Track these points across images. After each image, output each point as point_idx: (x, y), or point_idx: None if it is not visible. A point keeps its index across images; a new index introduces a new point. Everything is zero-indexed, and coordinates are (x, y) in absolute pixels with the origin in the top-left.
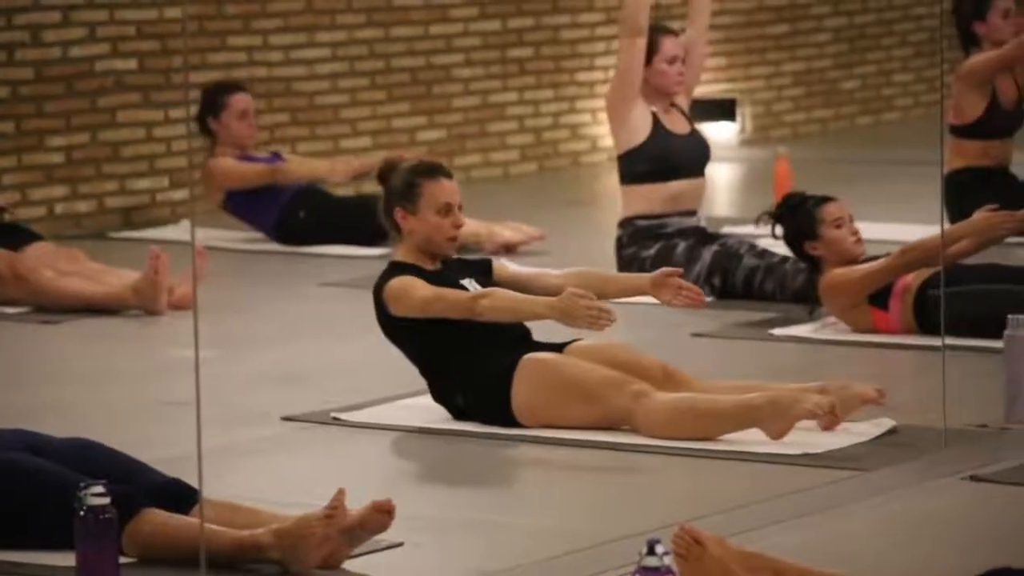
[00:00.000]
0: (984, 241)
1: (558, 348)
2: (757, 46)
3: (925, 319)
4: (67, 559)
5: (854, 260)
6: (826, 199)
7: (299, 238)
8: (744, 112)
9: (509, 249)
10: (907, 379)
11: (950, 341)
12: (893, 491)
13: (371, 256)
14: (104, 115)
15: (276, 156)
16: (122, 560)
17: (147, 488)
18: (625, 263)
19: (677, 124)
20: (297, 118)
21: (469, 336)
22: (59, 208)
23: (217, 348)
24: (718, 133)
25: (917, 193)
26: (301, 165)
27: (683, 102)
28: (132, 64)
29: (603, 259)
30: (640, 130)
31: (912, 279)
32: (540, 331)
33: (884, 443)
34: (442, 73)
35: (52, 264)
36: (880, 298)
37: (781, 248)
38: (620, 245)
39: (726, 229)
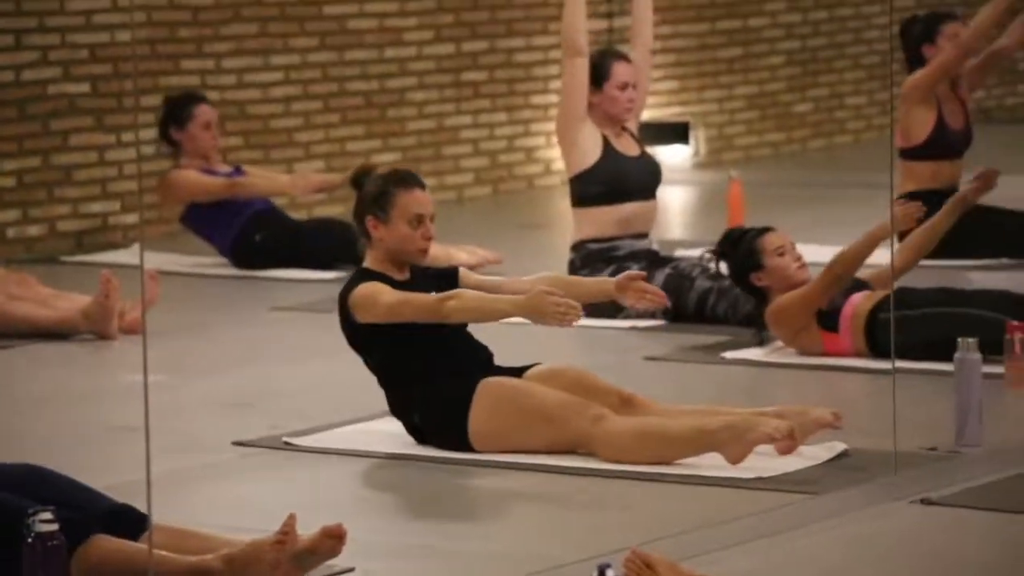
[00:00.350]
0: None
1: (517, 373)
2: (710, 69)
3: (875, 343)
4: None
5: (800, 286)
6: (765, 229)
7: (254, 261)
8: (697, 135)
9: None
10: (858, 402)
11: (900, 364)
12: (844, 514)
13: (325, 280)
14: (56, 138)
15: (237, 170)
16: None
17: (97, 514)
18: None
19: (628, 147)
20: (250, 141)
21: (432, 357)
22: (11, 232)
23: (168, 373)
24: (671, 156)
25: (869, 216)
26: (262, 179)
27: (633, 125)
28: (84, 88)
29: None
30: (591, 152)
31: (862, 302)
32: (505, 354)
33: (835, 467)
34: (396, 96)
35: (2, 289)
36: (830, 321)
37: None
38: (573, 268)
39: (679, 252)
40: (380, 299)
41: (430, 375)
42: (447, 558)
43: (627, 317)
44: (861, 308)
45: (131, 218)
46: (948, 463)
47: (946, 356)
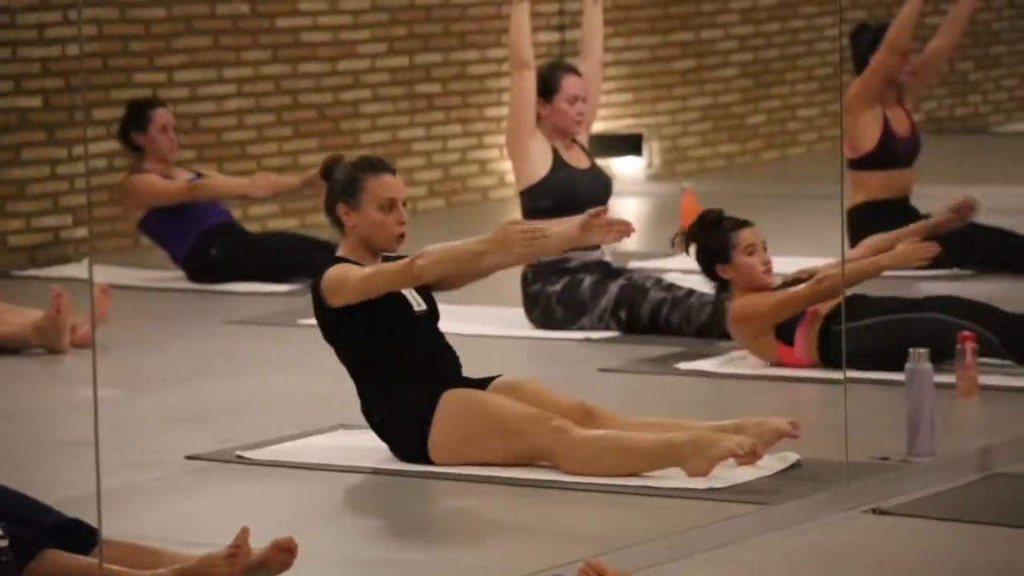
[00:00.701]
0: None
1: (481, 384)
2: (663, 81)
3: (828, 353)
4: None
5: (763, 289)
6: (743, 224)
7: (209, 275)
8: (650, 147)
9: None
10: (811, 412)
11: (852, 374)
12: (797, 524)
13: (278, 293)
14: (8, 152)
15: (197, 176)
16: None
17: (47, 529)
18: (531, 299)
19: (578, 159)
20: (204, 154)
21: (402, 357)
22: None
23: (121, 387)
24: (625, 168)
25: (821, 227)
26: (221, 182)
27: (583, 138)
28: (36, 102)
29: (514, 295)
30: (541, 165)
31: (817, 313)
32: (473, 366)
33: (788, 477)
34: (349, 109)
35: None
36: (786, 333)
37: (687, 282)
38: (526, 282)
39: (633, 263)
40: (350, 275)
41: (398, 376)
42: (402, 571)
43: (581, 329)
44: (814, 324)
45: (83, 232)
46: (900, 473)
47: (897, 366)
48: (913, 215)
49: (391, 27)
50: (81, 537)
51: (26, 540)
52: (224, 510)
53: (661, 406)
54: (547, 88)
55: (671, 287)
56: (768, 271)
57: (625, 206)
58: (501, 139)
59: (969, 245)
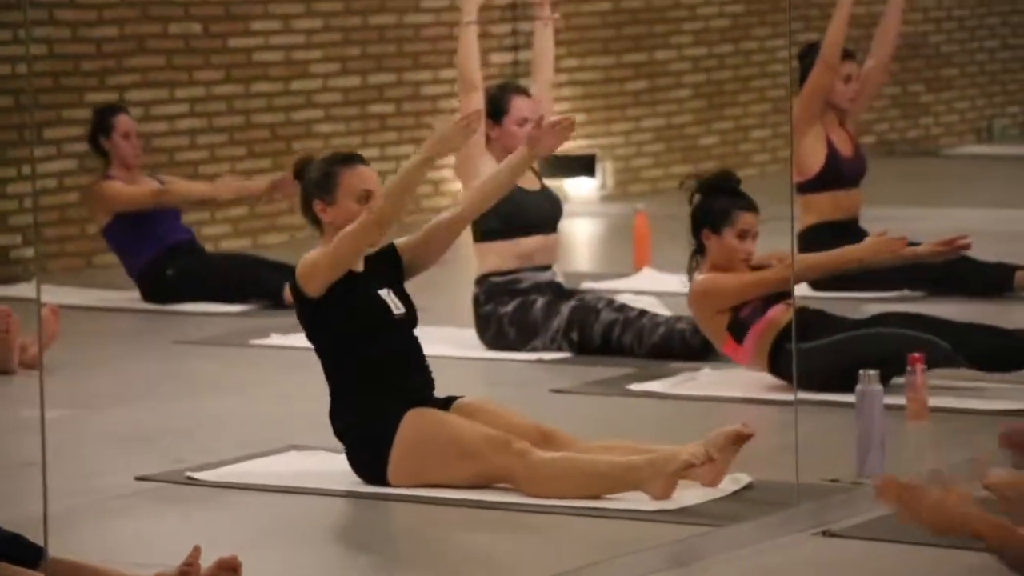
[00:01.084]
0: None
1: (444, 404)
2: (617, 102)
3: (778, 368)
4: None
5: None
6: (749, 206)
7: (163, 295)
8: (604, 168)
9: None
10: (761, 434)
11: (803, 396)
12: (748, 546)
13: (229, 313)
14: None
15: (160, 183)
16: None
17: None
18: (484, 320)
19: (528, 181)
20: (156, 174)
21: (372, 371)
22: None
23: (70, 407)
24: (578, 189)
25: (774, 248)
26: (183, 184)
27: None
28: None
29: (466, 316)
30: None
31: (775, 321)
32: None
33: (739, 498)
34: (302, 129)
35: None
36: (739, 328)
37: (639, 303)
38: (477, 303)
39: (586, 284)
40: (319, 256)
41: (367, 386)
42: None
43: (533, 350)
44: (768, 333)
45: (32, 251)
46: (850, 495)
47: (848, 387)
48: (862, 236)
49: (344, 47)
50: (25, 552)
51: None
52: (174, 531)
53: (613, 427)
54: (496, 110)
55: (623, 308)
56: (746, 261)
57: (578, 227)
58: (452, 159)
59: (919, 267)
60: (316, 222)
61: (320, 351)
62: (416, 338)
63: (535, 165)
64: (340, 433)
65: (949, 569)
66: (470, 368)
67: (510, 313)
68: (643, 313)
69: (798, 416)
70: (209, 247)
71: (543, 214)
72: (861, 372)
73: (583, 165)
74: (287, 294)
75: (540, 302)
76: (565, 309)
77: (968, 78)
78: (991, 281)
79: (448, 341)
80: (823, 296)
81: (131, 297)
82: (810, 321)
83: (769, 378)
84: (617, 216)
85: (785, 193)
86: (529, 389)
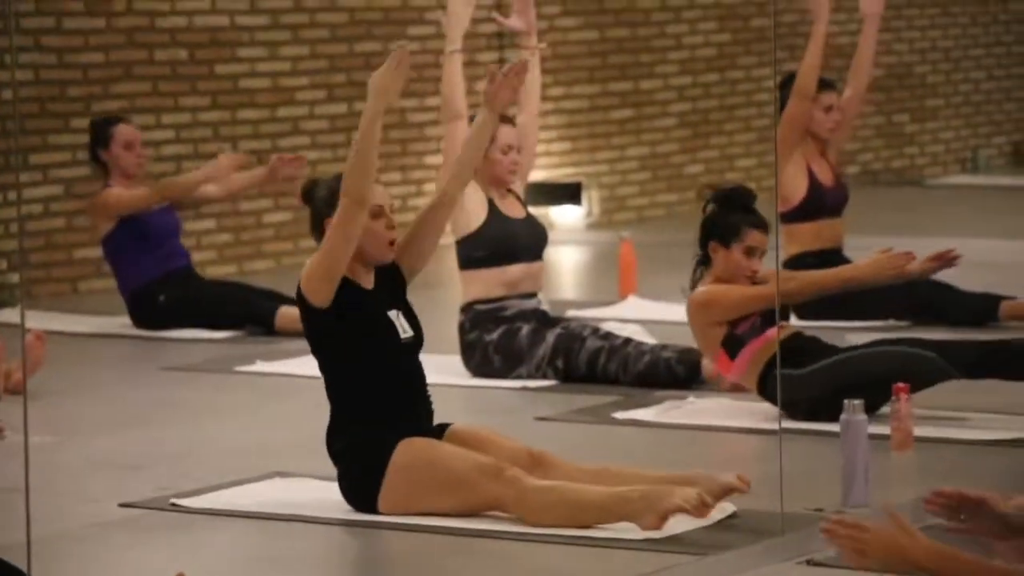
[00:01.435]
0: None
1: (437, 432)
2: (602, 131)
3: (766, 390)
4: None
5: None
6: (760, 224)
7: (154, 321)
8: (590, 196)
9: None
10: (746, 463)
11: (787, 425)
12: (732, 575)
13: (215, 340)
14: None
15: None
16: None
17: None
18: (469, 347)
19: (513, 209)
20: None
21: (372, 396)
22: None
23: (55, 433)
24: (564, 217)
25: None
26: (182, 177)
27: (518, 187)
28: None
29: (451, 343)
30: (476, 215)
31: (764, 349)
32: (446, 414)
33: (724, 527)
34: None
35: None
36: (733, 345)
37: (625, 331)
38: (463, 330)
39: (571, 312)
40: (317, 258)
41: (366, 410)
42: None
43: (518, 378)
44: (764, 353)
45: (18, 277)
46: None
47: (833, 416)
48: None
49: (330, 74)
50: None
51: None
52: (158, 558)
53: (598, 455)
54: None
55: (608, 336)
56: (751, 278)
57: (564, 255)
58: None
59: (905, 296)
60: None
61: (323, 367)
62: (420, 363)
63: (520, 194)
64: (335, 455)
65: None
66: (455, 395)
67: (495, 341)
68: (628, 341)
69: (782, 445)
70: (205, 273)
71: (528, 242)
72: (846, 402)
73: (569, 193)
74: (278, 321)
75: (525, 330)
76: (551, 337)
77: (953, 108)
78: (977, 311)
79: (433, 368)
80: (807, 325)
81: (117, 323)
82: (805, 347)
83: (754, 406)
84: (602, 244)
85: (769, 222)
86: (514, 416)
